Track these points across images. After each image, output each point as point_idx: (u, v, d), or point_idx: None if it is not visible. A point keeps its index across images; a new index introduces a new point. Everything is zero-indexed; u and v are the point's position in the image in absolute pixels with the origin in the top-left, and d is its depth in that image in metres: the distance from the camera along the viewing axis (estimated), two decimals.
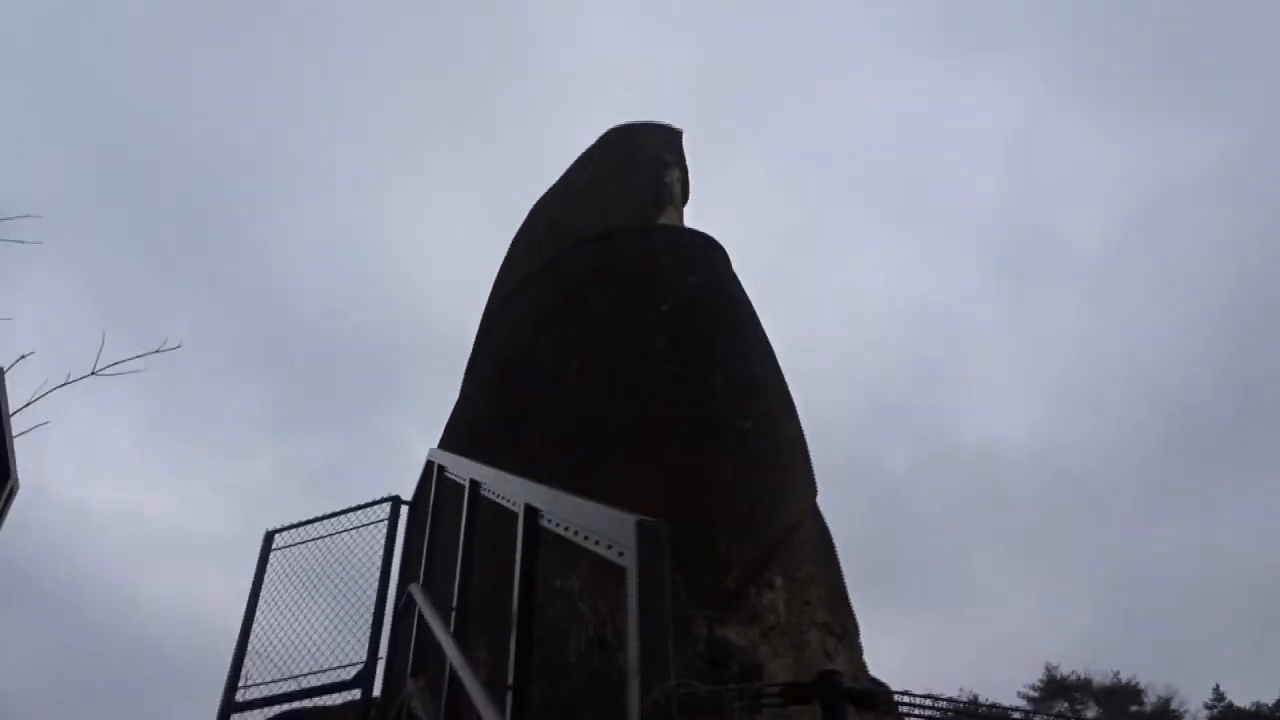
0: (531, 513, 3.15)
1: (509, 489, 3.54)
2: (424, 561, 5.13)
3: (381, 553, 6.58)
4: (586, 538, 2.67)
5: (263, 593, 6.80)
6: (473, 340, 10.19)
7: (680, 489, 6.58)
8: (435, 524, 5.28)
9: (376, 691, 5.92)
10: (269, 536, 6.95)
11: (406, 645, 5.08)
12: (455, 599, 3.97)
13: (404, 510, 6.56)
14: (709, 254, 8.66)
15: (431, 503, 5.37)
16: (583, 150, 12.62)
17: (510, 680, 2.94)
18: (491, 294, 10.95)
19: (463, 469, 4.56)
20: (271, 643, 6.59)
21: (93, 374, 4.58)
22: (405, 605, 4.73)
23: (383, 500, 7.08)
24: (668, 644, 2.12)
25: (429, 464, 6.09)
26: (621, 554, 2.36)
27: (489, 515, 4.06)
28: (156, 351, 4.70)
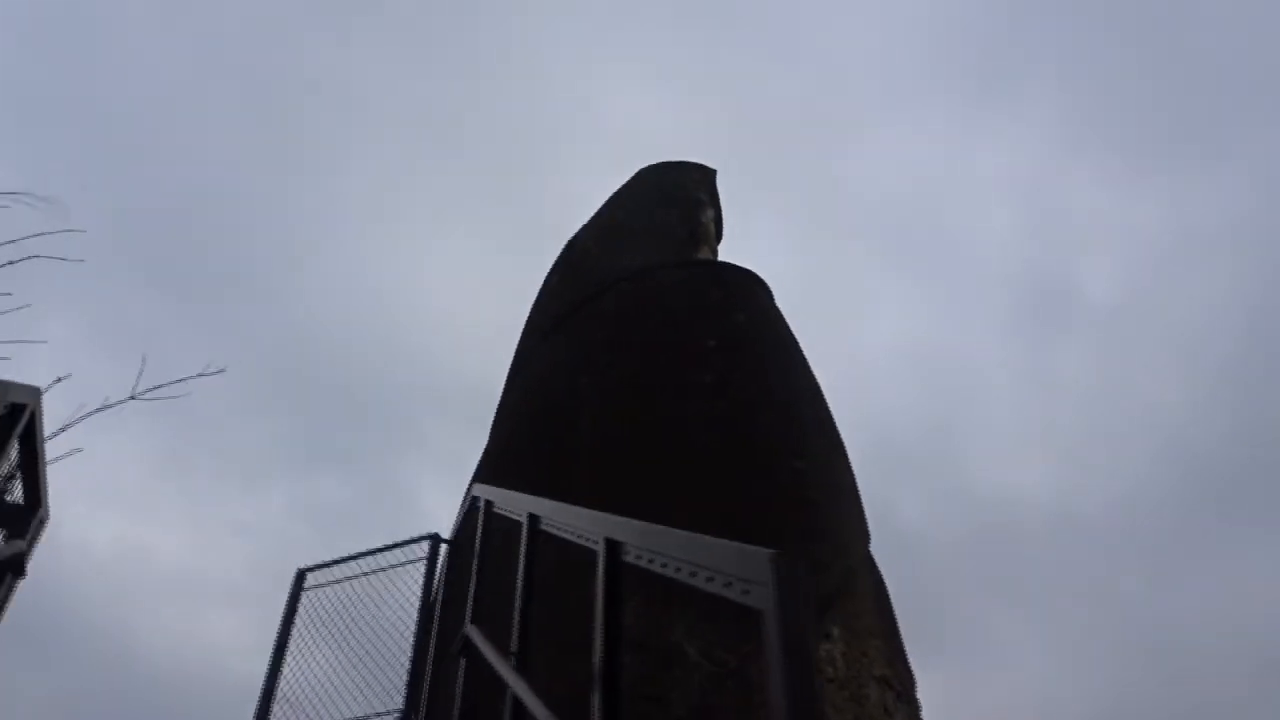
0: (614, 548, 2.82)
1: (581, 522, 3.22)
2: (471, 603, 4.79)
3: (420, 593, 6.21)
4: (694, 574, 2.32)
5: (293, 635, 6.45)
6: (502, 383, 9.93)
7: (732, 532, 6.23)
8: (483, 563, 4.95)
9: None
10: (300, 575, 6.58)
11: (450, 692, 4.73)
12: (515, 643, 3.64)
13: (444, 549, 6.20)
14: (754, 290, 8.40)
15: (479, 540, 5.04)
16: (616, 188, 12.48)
17: None
18: (525, 331, 10.70)
19: (518, 503, 4.24)
20: (300, 688, 6.23)
21: (132, 398, 4.29)
22: (459, 649, 4.38)
23: (421, 538, 6.72)
24: (819, 703, 1.79)
25: (473, 500, 5.77)
26: (747, 592, 2.02)
27: (553, 553, 3.74)
28: (199, 375, 4.41)
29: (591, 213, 12.08)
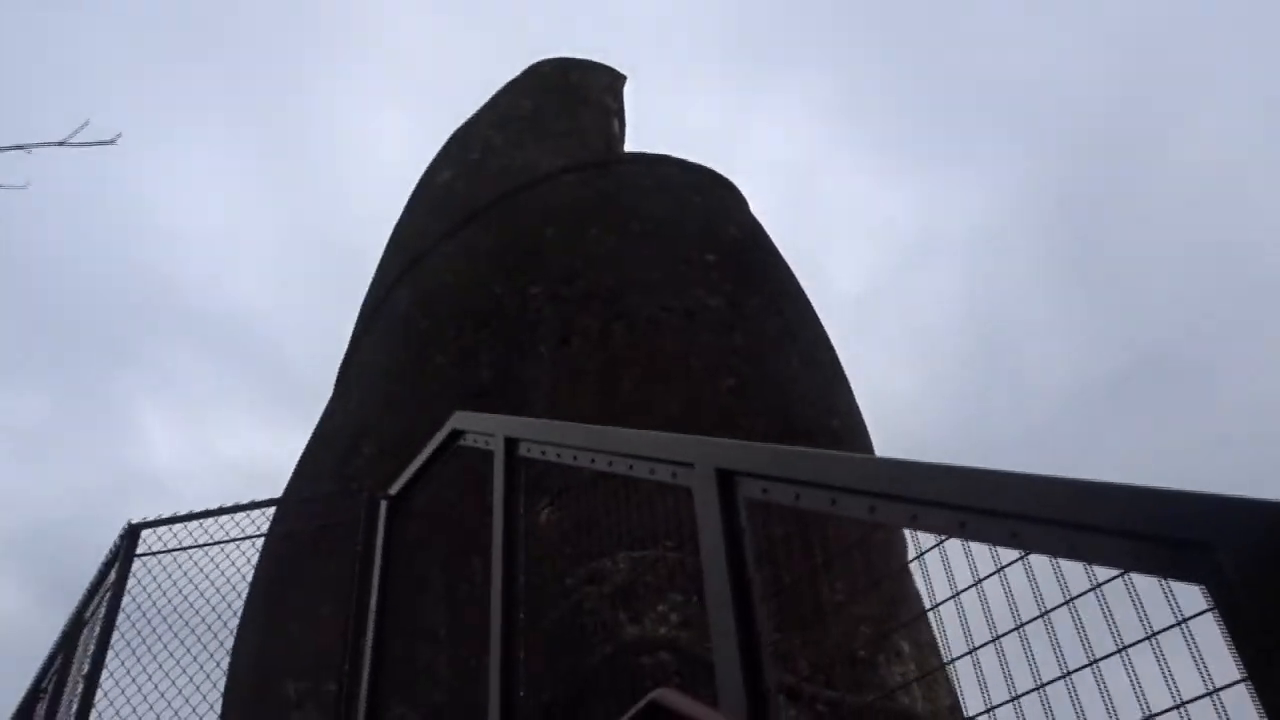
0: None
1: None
2: (503, 597, 2.62)
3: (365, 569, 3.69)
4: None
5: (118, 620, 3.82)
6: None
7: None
8: (512, 532, 2.76)
9: None
10: (133, 532, 3.88)
11: None
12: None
13: (383, 508, 3.68)
14: (736, 198, 6.45)
15: (504, 495, 2.83)
16: (506, 81, 10.07)
17: None
18: (399, 234, 8.18)
19: (665, 449, 2.16)
20: (129, 703, 3.69)
21: None
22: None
23: (335, 494, 4.17)
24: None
25: (452, 434, 3.48)
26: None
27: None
28: (90, 143, 1.90)
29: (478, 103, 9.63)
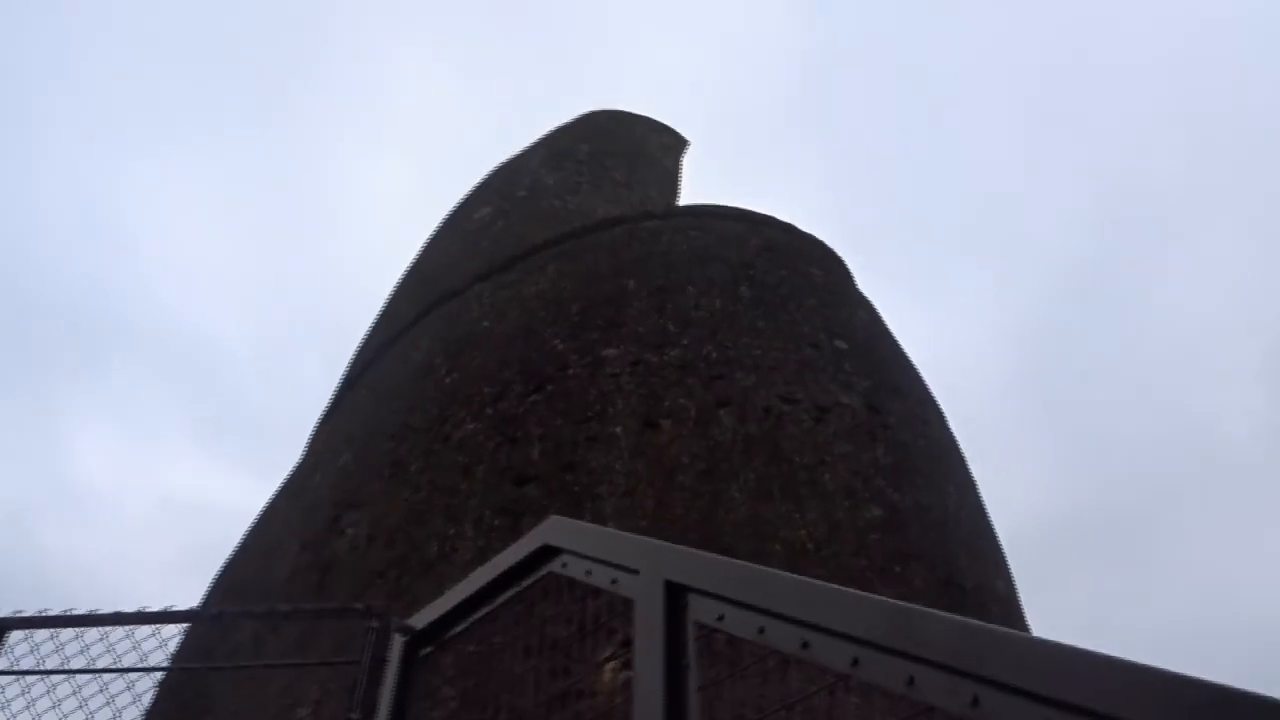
0: None
1: None
2: None
3: None
4: None
5: None
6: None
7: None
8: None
9: None
10: None
11: None
12: None
13: (397, 645, 2.17)
14: (849, 275, 5.21)
15: (662, 692, 1.42)
16: (553, 126, 8.92)
17: None
18: (422, 268, 6.85)
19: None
20: None
21: None
22: None
23: (319, 610, 2.56)
24: None
25: (541, 554, 2.03)
26: None
27: None
28: None
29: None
